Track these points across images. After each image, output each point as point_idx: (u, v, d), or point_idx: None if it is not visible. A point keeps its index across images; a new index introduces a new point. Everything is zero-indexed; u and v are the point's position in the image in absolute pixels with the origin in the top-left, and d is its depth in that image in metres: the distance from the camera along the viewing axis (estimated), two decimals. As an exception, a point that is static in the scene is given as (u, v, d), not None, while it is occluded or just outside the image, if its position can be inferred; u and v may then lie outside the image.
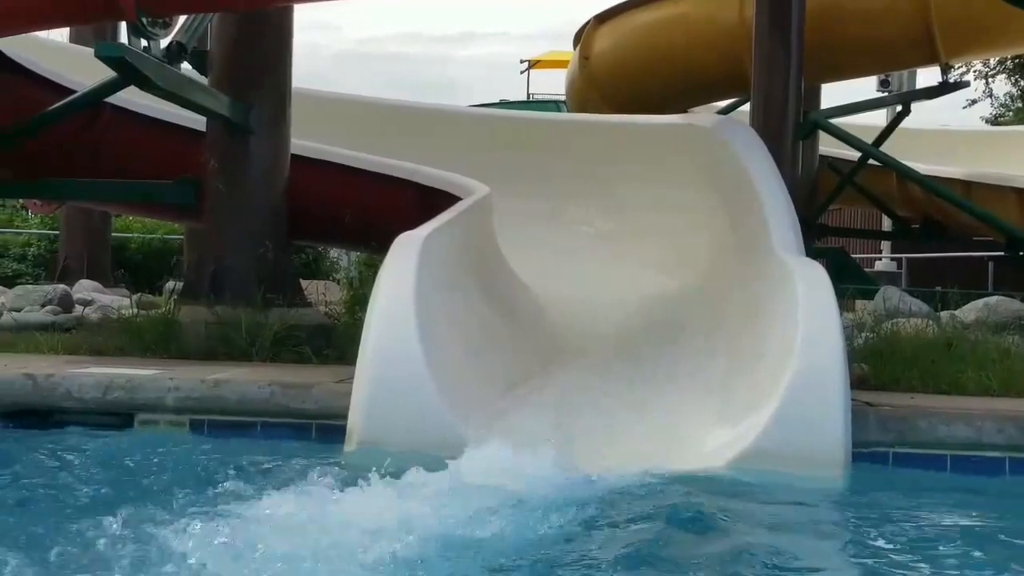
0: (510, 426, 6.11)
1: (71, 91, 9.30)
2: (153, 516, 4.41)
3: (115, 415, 6.77)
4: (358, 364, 6.12)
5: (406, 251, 6.61)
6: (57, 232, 15.97)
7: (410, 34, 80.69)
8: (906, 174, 14.54)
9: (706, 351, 7.41)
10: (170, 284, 11.11)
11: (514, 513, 4.72)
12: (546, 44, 54.95)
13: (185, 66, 8.99)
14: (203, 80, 9.26)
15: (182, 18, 8.57)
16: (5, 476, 5.51)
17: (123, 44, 8.03)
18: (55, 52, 12.37)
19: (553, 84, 28.56)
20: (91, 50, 8.57)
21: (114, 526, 4.24)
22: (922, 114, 15.83)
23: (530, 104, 28.78)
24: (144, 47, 7.98)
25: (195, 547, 3.98)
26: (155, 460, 5.92)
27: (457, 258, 7.40)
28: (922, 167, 14.63)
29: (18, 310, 10.11)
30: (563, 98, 19.32)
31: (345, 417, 6.04)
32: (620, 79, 15.70)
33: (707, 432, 6.24)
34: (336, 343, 8.33)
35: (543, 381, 7.34)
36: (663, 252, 9.73)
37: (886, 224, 18.74)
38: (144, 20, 7.72)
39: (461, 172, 9.51)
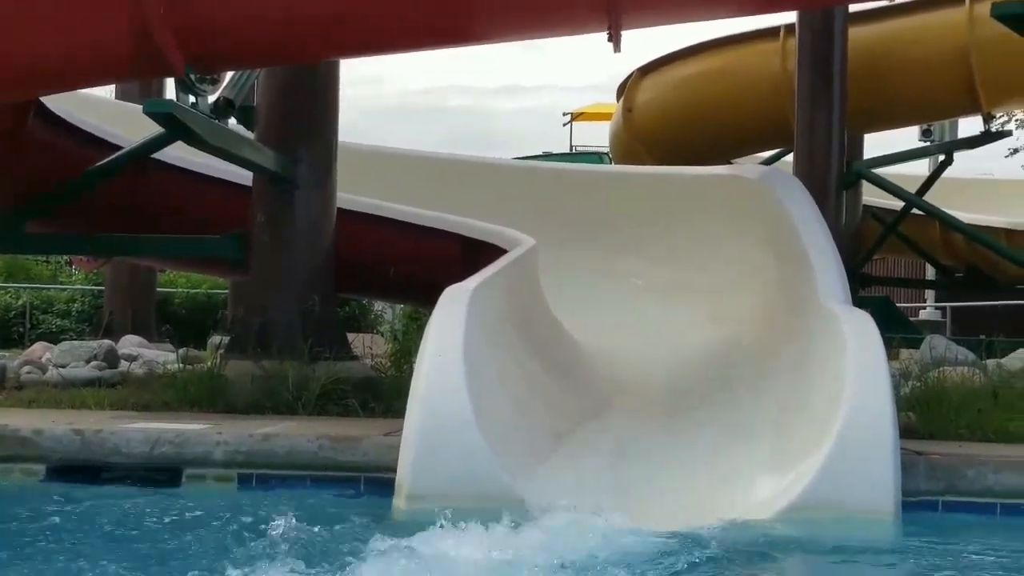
0: (558, 479, 6.09)
1: (118, 147, 9.37)
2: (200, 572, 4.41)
3: (163, 470, 6.76)
4: (407, 417, 6.12)
5: (454, 304, 6.62)
6: (101, 288, 16.06)
7: (454, 87, 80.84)
8: (949, 223, 14.50)
9: (755, 402, 7.37)
10: (215, 338, 11.13)
11: (564, 569, 4.69)
12: (590, 97, 54.91)
13: (232, 121, 9.05)
14: (250, 135, 9.34)
15: (229, 74, 8.63)
16: (54, 532, 5.52)
17: (171, 100, 8.08)
18: (100, 108, 12.47)
19: (596, 136, 28.63)
20: (136, 106, 8.66)
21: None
22: (965, 163, 15.79)
23: (573, 156, 28.84)
24: (192, 103, 8.04)
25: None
26: (203, 515, 5.89)
27: (504, 310, 7.40)
28: (965, 216, 14.57)
29: (64, 366, 10.14)
30: (606, 150, 19.39)
31: (394, 470, 6.02)
32: (663, 130, 15.74)
33: (758, 482, 6.22)
34: (382, 396, 8.32)
35: (591, 433, 7.29)
36: (711, 303, 9.70)
37: (930, 273, 18.66)
38: (192, 76, 7.78)
39: (507, 225, 9.53)
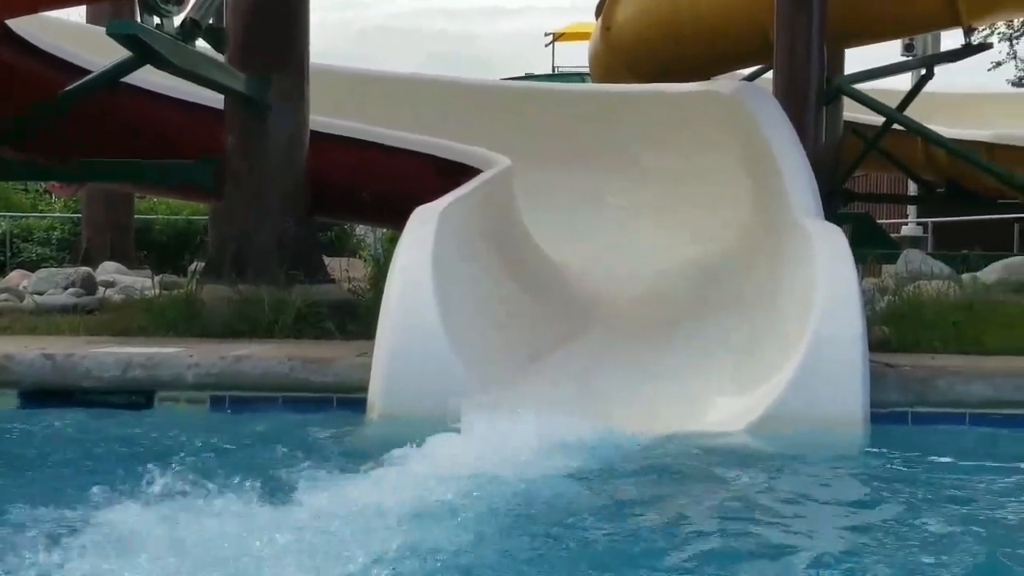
0: (530, 393, 6.09)
1: (88, 72, 9.26)
2: (171, 492, 4.40)
3: (135, 393, 6.71)
4: (377, 336, 6.13)
5: (423, 224, 6.60)
6: (80, 215, 16.02)
7: (435, 9, 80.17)
8: (930, 138, 14.45)
9: (728, 317, 7.41)
10: (194, 264, 11.11)
11: (534, 479, 4.70)
12: (572, 16, 54.50)
13: (201, 43, 8.95)
14: (220, 57, 9.24)
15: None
16: (24, 455, 5.51)
17: (135, 22, 8.00)
18: (66, 32, 12.33)
19: (578, 57, 28.32)
20: (102, 29, 8.55)
21: (136, 501, 4.26)
22: (946, 77, 15.68)
23: (555, 77, 28.69)
24: (157, 24, 7.94)
25: (207, 522, 3.99)
26: (175, 437, 5.86)
27: (477, 230, 7.38)
28: (946, 131, 14.51)
29: (41, 293, 10.10)
30: (588, 70, 19.23)
31: (366, 390, 6.03)
32: (642, 48, 15.61)
33: (728, 396, 6.25)
34: (360, 319, 8.30)
35: (565, 351, 7.31)
36: (686, 221, 9.70)
37: (912, 189, 18.64)
38: (155, -5, 7.69)
39: (484, 146, 9.46)
